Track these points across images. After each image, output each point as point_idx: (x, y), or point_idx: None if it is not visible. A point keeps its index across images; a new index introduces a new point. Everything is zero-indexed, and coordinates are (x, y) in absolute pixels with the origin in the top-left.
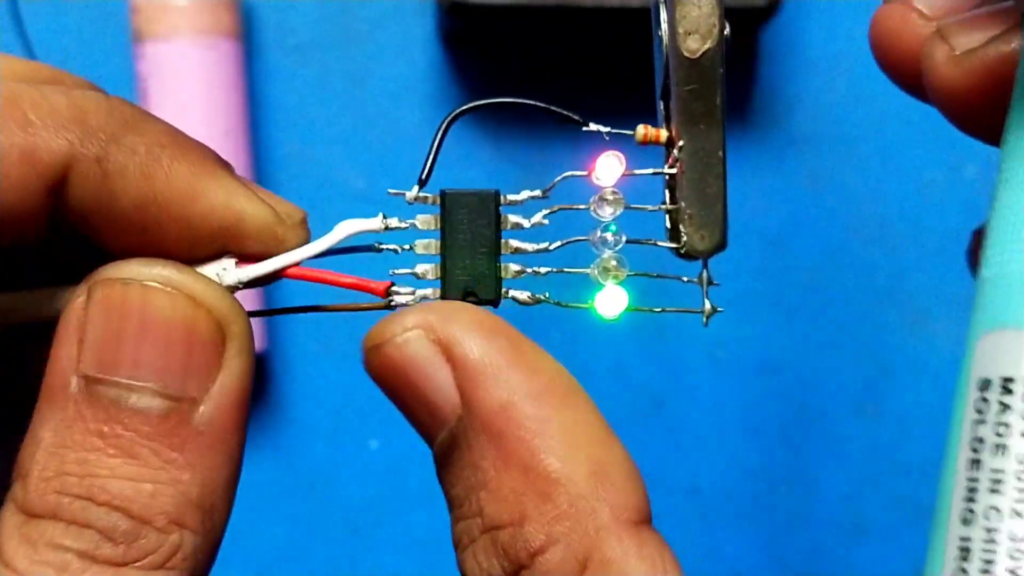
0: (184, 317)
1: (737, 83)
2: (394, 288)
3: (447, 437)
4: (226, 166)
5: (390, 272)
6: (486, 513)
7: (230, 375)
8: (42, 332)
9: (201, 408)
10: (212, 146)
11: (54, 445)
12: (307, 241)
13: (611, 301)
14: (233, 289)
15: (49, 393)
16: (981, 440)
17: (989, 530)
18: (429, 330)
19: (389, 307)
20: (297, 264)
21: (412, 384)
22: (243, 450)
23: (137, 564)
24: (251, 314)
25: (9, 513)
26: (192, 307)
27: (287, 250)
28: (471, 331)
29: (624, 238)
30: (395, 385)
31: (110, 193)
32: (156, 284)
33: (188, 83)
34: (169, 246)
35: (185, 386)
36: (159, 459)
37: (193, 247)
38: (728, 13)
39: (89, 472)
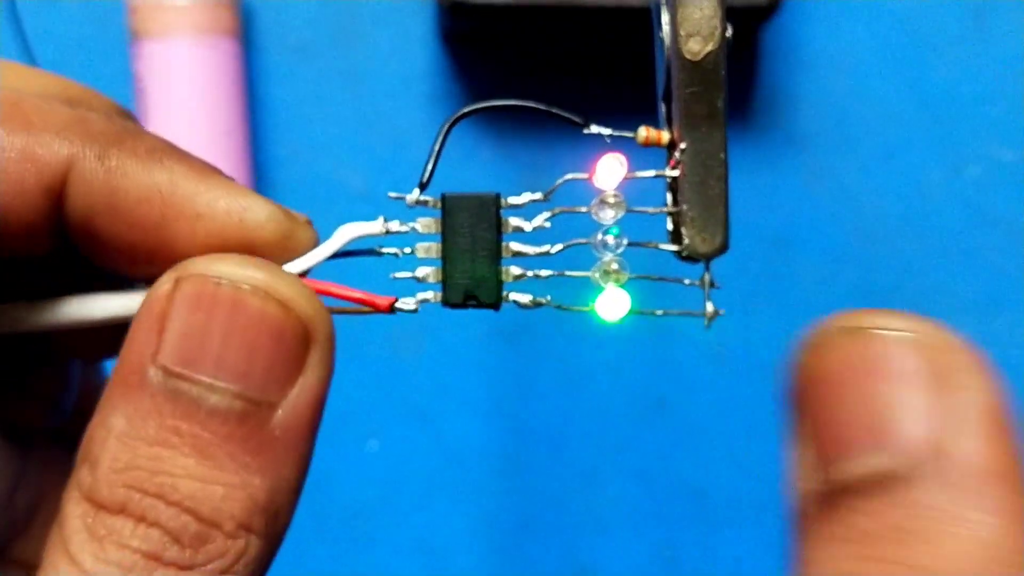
0: (273, 322)
1: (737, 83)
2: (398, 304)
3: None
4: (226, 175)
5: (391, 276)
6: None
7: (310, 381)
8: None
9: (278, 413)
10: (211, 146)
11: (127, 436)
12: (316, 241)
13: (612, 304)
14: None
15: (123, 380)
16: None
17: None
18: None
19: (389, 311)
20: (305, 274)
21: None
22: (312, 456)
23: (203, 568)
24: None
25: (74, 500)
26: (282, 312)
27: (296, 249)
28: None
29: (625, 241)
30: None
31: (112, 190)
32: (249, 286)
33: (187, 83)
34: (176, 246)
35: (266, 390)
36: (233, 462)
37: (199, 247)
38: (729, 13)
39: (162, 469)
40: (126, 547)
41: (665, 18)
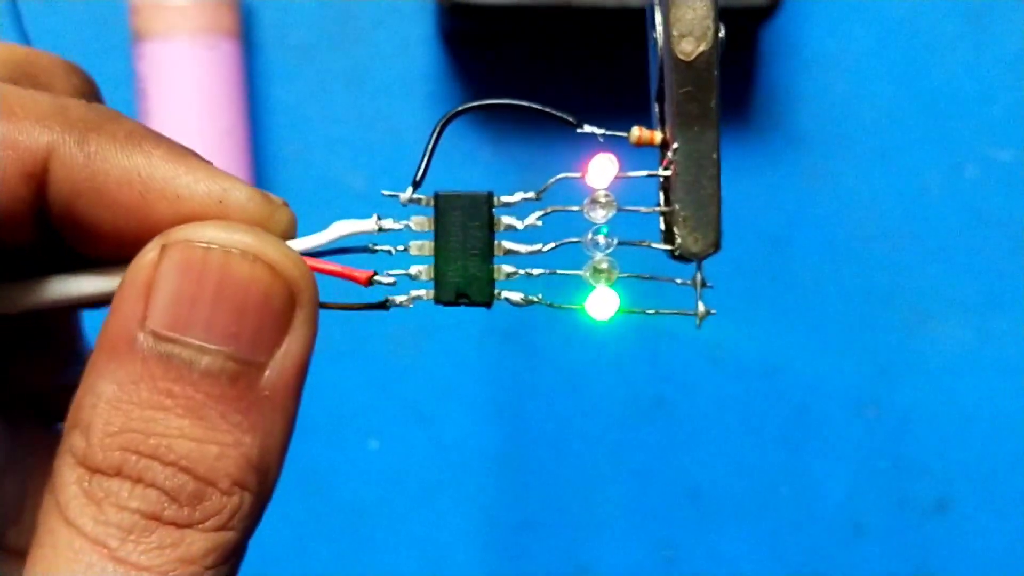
0: (262, 284)
1: (737, 83)
2: (377, 277)
3: None
4: (203, 159)
5: (384, 273)
6: None
7: (296, 341)
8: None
9: (267, 373)
10: (211, 145)
11: (119, 400)
12: (294, 223)
13: (602, 303)
14: None
15: (111, 346)
16: None
17: None
18: None
19: (384, 306)
20: None
21: None
22: (297, 415)
23: (201, 525)
24: None
25: (68, 466)
26: (270, 274)
27: (275, 231)
28: None
29: (616, 240)
30: None
31: (92, 174)
32: (237, 250)
33: (188, 83)
34: (157, 228)
35: (255, 351)
36: (226, 422)
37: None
38: (728, 13)
39: (156, 431)
40: (125, 508)
41: (658, 18)
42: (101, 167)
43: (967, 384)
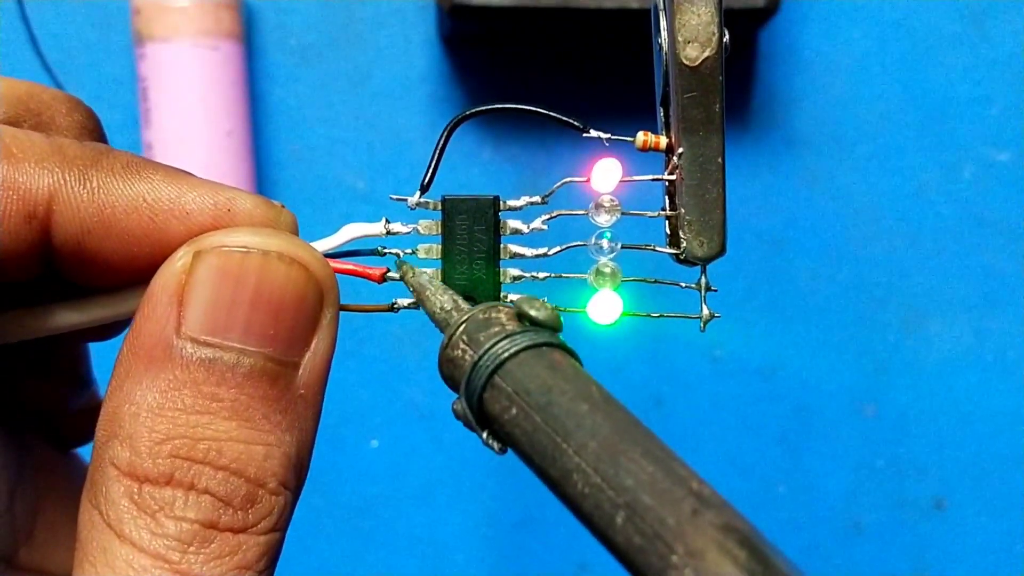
0: (298, 285)
1: (736, 84)
2: (390, 274)
3: None
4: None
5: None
6: None
7: (324, 339)
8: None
9: (301, 371)
10: (213, 147)
11: (161, 407)
12: (296, 223)
13: (604, 307)
14: None
15: (147, 355)
16: None
17: None
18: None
19: (392, 308)
20: None
21: None
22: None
23: (255, 528)
24: None
25: (114, 477)
26: (305, 275)
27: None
28: None
29: (619, 245)
30: None
31: (99, 208)
32: (274, 253)
33: (189, 84)
34: (173, 247)
35: (291, 351)
36: (268, 422)
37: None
38: (727, 14)
39: (205, 436)
40: (182, 518)
41: (663, 24)
42: (107, 200)
43: (964, 383)
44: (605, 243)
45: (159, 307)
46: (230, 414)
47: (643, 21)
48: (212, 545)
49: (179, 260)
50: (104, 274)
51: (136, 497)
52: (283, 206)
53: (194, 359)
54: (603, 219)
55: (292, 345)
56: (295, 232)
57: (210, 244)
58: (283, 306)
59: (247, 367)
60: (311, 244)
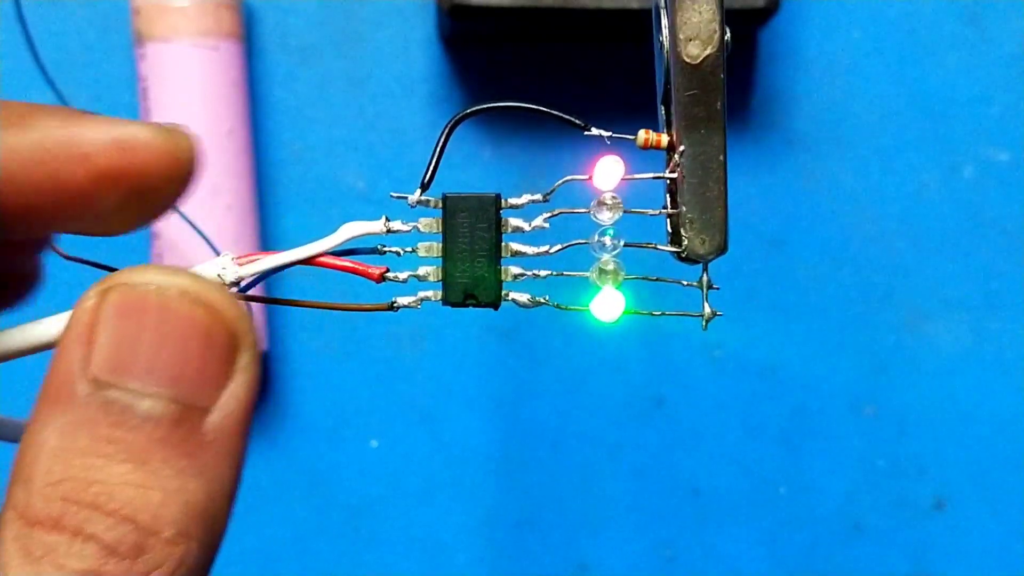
0: (201, 325)
1: (735, 84)
2: (389, 274)
3: None
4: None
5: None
6: None
7: (240, 384)
8: None
9: (211, 416)
10: (213, 147)
11: (60, 449)
12: (195, 146)
13: (607, 304)
14: (233, 285)
15: (54, 394)
16: None
17: None
18: None
19: (392, 308)
20: (298, 262)
21: None
22: (245, 460)
23: None
24: (252, 299)
25: (9, 520)
26: (210, 316)
27: (185, 159)
28: None
29: (622, 242)
30: None
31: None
32: (176, 291)
33: (189, 84)
34: (78, 192)
35: (197, 394)
36: (169, 467)
37: (98, 184)
38: (727, 14)
39: (97, 479)
40: (63, 567)
41: (664, 22)
42: (2, 155)
43: (965, 383)
44: (608, 240)
45: (67, 346)
46: (125, 457)
47: (643, 21)
48: None
49: (89, 300)
50: (21, 228)
51: (25, 540)
52: (179, 128)
53: (93, 399)
54: (605, 216)
55: (199, 388)
56: (193, 158)
57: (114, 282)
58: (187, 346)
59: (145, 408)
60: (307, 245)
